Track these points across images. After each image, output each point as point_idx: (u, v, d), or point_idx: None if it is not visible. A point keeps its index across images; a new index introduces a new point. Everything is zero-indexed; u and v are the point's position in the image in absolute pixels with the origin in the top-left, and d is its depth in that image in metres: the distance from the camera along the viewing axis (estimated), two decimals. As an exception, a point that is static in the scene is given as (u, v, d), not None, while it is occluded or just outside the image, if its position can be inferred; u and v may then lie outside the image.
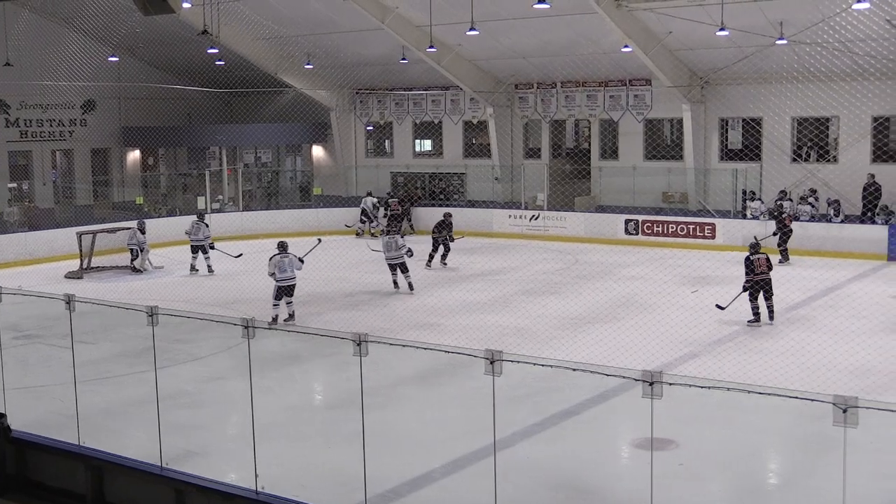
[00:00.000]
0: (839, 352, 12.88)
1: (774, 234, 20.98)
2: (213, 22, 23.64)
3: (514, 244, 24.65)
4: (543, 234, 25.77)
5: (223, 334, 14.10)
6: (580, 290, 18.27)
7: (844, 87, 23.16)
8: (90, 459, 8.10)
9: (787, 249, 21.01)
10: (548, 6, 19.93)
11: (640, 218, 24.80)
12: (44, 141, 30.32)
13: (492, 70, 28.84)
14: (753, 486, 8.99)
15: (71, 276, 21.05)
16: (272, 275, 15.85)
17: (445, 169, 30.90)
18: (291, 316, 15.70)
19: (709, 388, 6.41)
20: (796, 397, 5.92)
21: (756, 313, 15.05)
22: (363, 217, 27.68)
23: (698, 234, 23.81)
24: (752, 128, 25.70)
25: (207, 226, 21.62)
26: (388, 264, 18.30)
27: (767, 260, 15.28)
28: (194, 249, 21.38)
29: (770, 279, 15.13)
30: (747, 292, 15.16)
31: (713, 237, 23.57)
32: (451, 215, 21.93)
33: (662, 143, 28.09)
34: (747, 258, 15.30)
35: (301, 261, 16.07)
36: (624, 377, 6.45)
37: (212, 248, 21.27)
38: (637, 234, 24.65)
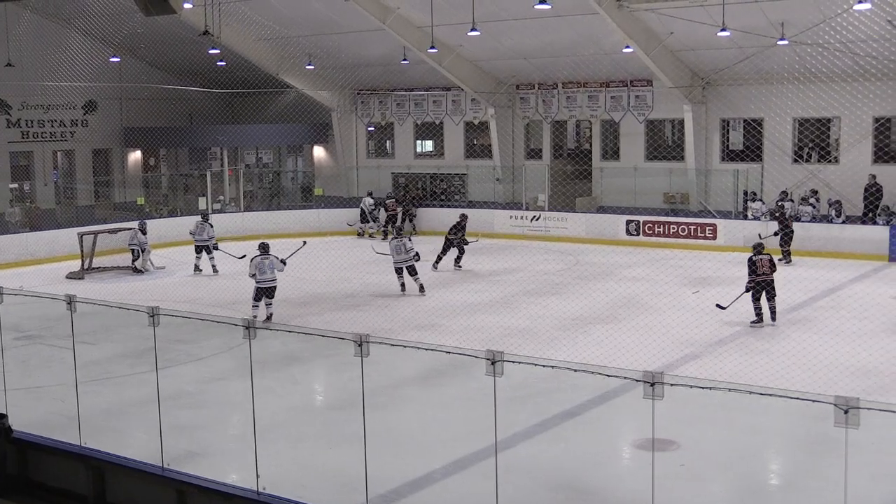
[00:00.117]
0: (841, 352, 12.88)
1: (776, 234, 20.98)
2: (215, 22, 23.63)
3: (515, 245, 24.64)
4: (545, 235, 25.76)
5: (224, 335, 14.17)
6: (581, 290, 18.26)
7: (846, 88, 23.16)
8: (91, 460, 8.10)
9: (789, 251, 21.01)
10: (549, 7, 19.93)
11: (642, 219, 24.78)
12: (45, 141, 30.33)
13: (493, 71, 28.83)
14: (755, 486, 8.98)
15: (72, 276, 21.06)
16: (252, 276, 15.86)
17: (447, 170, 30.90)
18: (269, 318, 15.62)
19: (710, 388, 6.41)
20: (798, 398, 5.92)
21: (758, 314, 15.05)
22: (362, 217, 27.67)
23: (699, 234, 23.79)
24: (754, 128, 25.69)
25: (212, 226, 21.63)
26: (395, 267, 18.17)
27: (770, 261, 15.27)
28: (198, 249, 21.40)
29: (773, 280, 15.12)
30: (749, 293, 15.15)
31: (714, 238, 23.55)
32: (466, 217, 21.74)
33: (664, 143, 28.08)
34: (750, 259, 15.29)
35: (283, 263, 16.04)
36: (625, 378, 6.45)
37: (215, 248, 21.25)
38: (638, 234, 24.64)
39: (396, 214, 27.19)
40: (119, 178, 32.06)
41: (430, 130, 31.72)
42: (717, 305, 15.46)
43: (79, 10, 26.81)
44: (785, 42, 21.63)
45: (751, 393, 6.04)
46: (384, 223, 27.16)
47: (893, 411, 5.49)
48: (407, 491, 8.58)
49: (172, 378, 12.02)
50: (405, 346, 7.15)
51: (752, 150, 25.66)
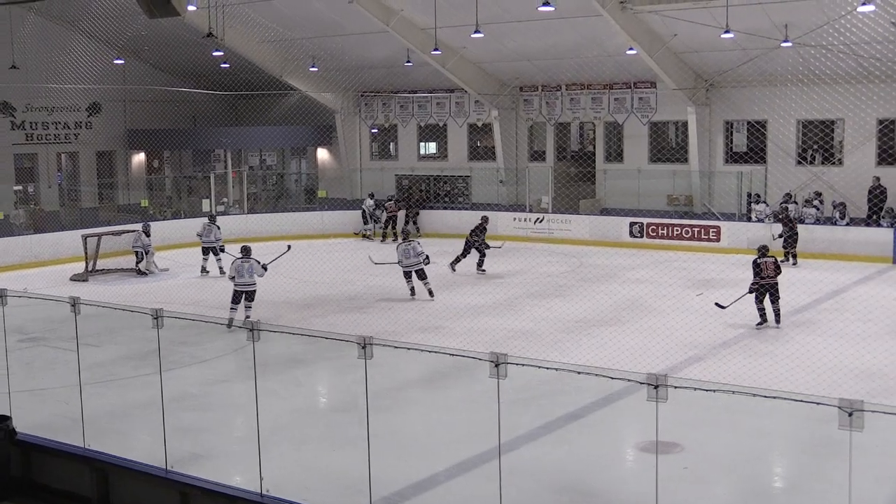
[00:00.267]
0: (845, 355, 12.85)
1: (780, 236, 20.97)
2: (218, 25, 23.66)
3: (518, 247, 24.63)
4: (548, 237, 25.74)
5: (228, 337, 14.23)
6: (585, 292, 18.25)
7: (850, 90, 23.14)
8: (95, 462, 8.12)
9: (795, 252, 21.01)
10: (552, 9, 19.93)
11: (645, 221, 24.76)
12: (49, 143, 30.38)
13: (496, 73, 28.84)
14: (759, 489, 8.97)
15: (76, 278, 21.08)
16: (231, 278, 15.78)
17: (450, 171, 30.90)
18: (247, 320, 15.27)
19: (714, 391, 6.39)
20: (802, 401, 5.90)
21: (762, 316, 15.04)
22: (364, 219, 27.63)
23: (703, 236, 23.76)
24: (757, 130, 25.67)
25: (219, 228, 21.68)
26: (404, 271, 17.99)
27: (775, 263, 15.26)
28: (205, 251, 21.46)
29: (777, 283, 15.11)
30: (753, 295, 15.14)
31: (718, 240, 23.53)
32: (488, 219, 21.53)
33: (667, 145, 28.07)
34: (755, 261, 15.28)
35: (264, 268, 15.89)
36: (629, 380, 6.44)
37: (222, 250, 21.25)
38: (642, 236, 24.63)
39: (396, 216, 27.15)
40: (123, 181, 32.10)
41: (434, 132, 31.72)
42: (717, 304, 15.45)
43: (83, 13, 26.85)
44: (789, 44, 21.60)
45: (755, 395, 6.03)
46: (384, 224, 27.14)
47: (898, 414, 5.48)
48: (410, 493, 8.58)
49: (176, 380, 12.02)
50: (409, 349, 7.16)
51: (755, 152, 25.63)
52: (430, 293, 17.81)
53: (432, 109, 31.45)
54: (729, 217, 24.45)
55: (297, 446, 9.94)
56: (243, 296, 15.58)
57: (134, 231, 22.16)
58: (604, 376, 6.70)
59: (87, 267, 21.53)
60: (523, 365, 6.60)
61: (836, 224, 22.64)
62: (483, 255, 20.85)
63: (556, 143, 29.57)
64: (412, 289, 17.93)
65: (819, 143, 24.89)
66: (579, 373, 6.65)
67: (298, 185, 34.75)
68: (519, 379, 6.71)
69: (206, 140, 32.91)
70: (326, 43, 27.82)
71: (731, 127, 26.51)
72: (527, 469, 8.98)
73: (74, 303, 8.66)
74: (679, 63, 25.04)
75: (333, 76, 30.29)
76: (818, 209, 23.18)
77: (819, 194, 23.74)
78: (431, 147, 32.62)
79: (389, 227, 26.95)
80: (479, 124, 30.55)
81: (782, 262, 20.17)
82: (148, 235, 21.85)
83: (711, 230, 23.76)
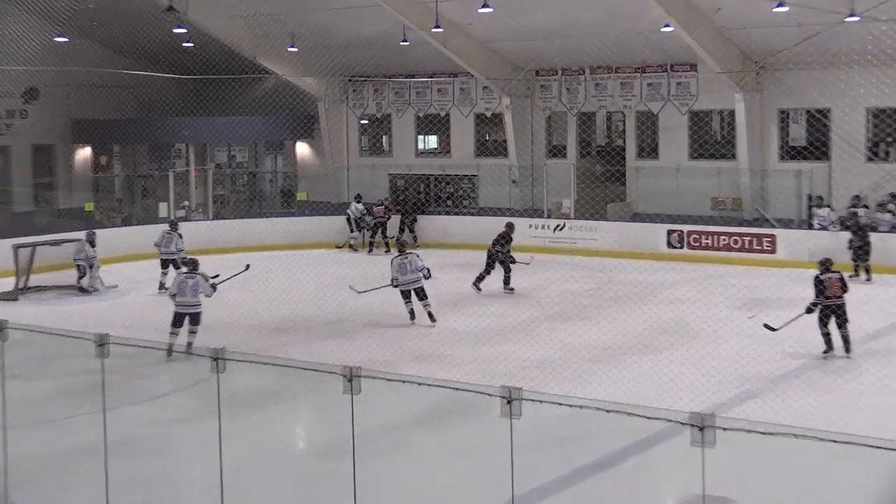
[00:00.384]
0: (928, 390, 12.78)
1: (850, 247, 20.93)
2: (180, -4, 23.75)
3: (535, 260, 24.57)
4: (570, 248, 25.76)
5: (186, 367, 14.15)
6: (614, 314, 18.22)
7: (930, 73, 23.18)
8: (23, 519, 8.01)
9: (868, 266, 20.97)
10: (575, -23, 19.99)
11: (686, 228, 24.78)
12: (-25, 136, 30.49)
13: (508, 53, 28.91)
14: (826, 552, 8.88)
15: (4, 297, 21.07)
16: (173, 296, 15.74)
17: (453, 170, 30.95)
18: (189, 347, 15.14)
19: (771, 434, 6.34)
20: (878, 446, 5.83)
21: (828, 343, 14.95)
22: (349, 226, 27.48)
23: (755, 247, 23.78)
24: (819, 121, 25.69)
25: (181, 237, 21.67)
26: (401, 290, 17.93)
27: (841, 279, 15.19)
28: (164, 264, 21.41)
29: (844, 303, 15.03)
30: (812, 316, 15.03)
31: (773, 251, 23.55)
32: (513, 226, 21.41)
33: (711, 139, 28.10)
34: (817, 277, 15.23)
35: (213, 287, 15.90)
36: (668, 420, 6.40)
37: (184, 263, 21.17)
38: (682, 247, 24.63)
39: (385, 223, 27.03)
40: (64, 180, 32.16)
41: (435, 124, 31.79)
42: (767, 326, 15.41)
43: (18, -18, 26.95)
44: (856, 18, 21.58)
45: (821, 440, 5.95)
46: (371, 233, 27.05)
47: None
48: (405, 557, 8.50)
49: (123, 420, 11.90)
50: (404, 382, 7.15)
51: (817, 147, 25.66)
52: (431, 317, 17.72)
53: (432, 97, 31.53)
54: (786, 224, 24.47)
55: (270, 499, 9.89)
56: (186, 318, 15.51)
57: (76, 240, 22.16)
58: (638, 416, 6.61)
59: (17, 283, 21.52)
60: (541, 402, 6.56)
61: (915, 232, 22.65)
62: (509, 269, 20.70)
63: (579, 136, 29.63)
64: (411, 311, 17.86)
65: (894, 135, 24.87)
66: (608, 411, 6.62)
67: (274, 187, 34.82)
68: (536, 418, 6.68)
69: (164, 132, 33.00)
70: (308, 18, 27.91)
71: (787, 117, 26.57)
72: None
73: (1, 327, 8.61)
74: (724, 41, 25.09)
75: (316, 57, 30.32)
76: (894, 214, 23.14)
77: (895, 196, 23.71)
78: (431, 141, 32.68)
79: (379, 234, 26.89)
80: (488, 114, 30.62)
81: (852, 277, 20.16)
82: (93, 246, 21.83)
83: (765, 240, 23.77)
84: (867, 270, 21.05)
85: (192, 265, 16.11)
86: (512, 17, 25.77)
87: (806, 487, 9.90)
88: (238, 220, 29.23)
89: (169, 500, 10.04)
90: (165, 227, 22.25)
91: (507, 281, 20.65)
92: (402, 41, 27.84)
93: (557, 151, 29.93)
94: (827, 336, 14.99)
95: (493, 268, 20.62)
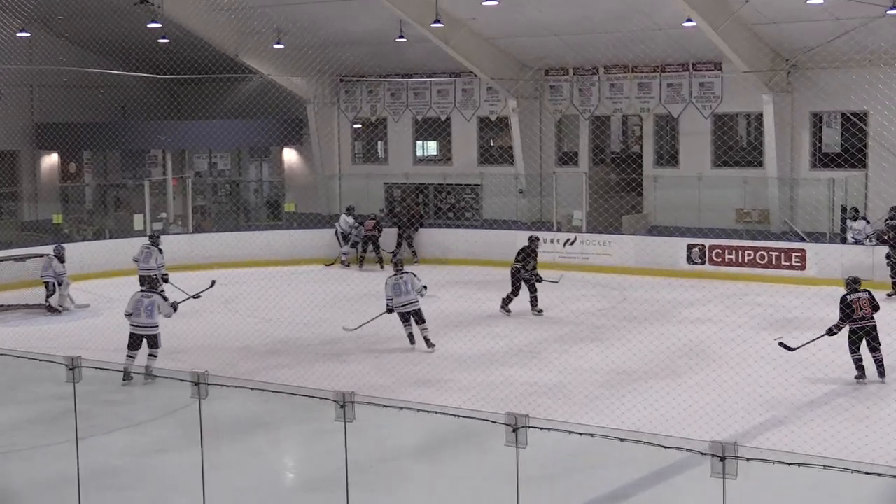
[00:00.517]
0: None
1: (888, 263, 20.97)
2: (156, -12, 23.86)
3: (543, 276, 24.62)
4: (582, 264, 25.75)
5: (167, 393, 14.18)
6: (629, 336, 18.23)
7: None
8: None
9: (905, 284, 21.06)
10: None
11: (708, 243, 24.77)
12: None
13: (515, 51, 28.96)
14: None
15: (-32, 317, 21.12)
16: (128, 315, 15.67)
17: (455, 179, 30.97)
18: (148, 372, 15.25)
19: (798, 464, 6.40)
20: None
21: (860, 368, 15.00)
22: (339, 241, 27.40)
23: (783, 263, 23.77)
24: (855, 125, 25.71)
25: (161, 251, 21.70)
26: (400, 313, 17.84)
27: (871, 299, 15.22)
28: (143, 281, 21.40)
29: (875, 324, 15.08)
30: (847, 341, 15.09)
31: (803, 268, 23.52)
32: (537, 240, 21.36)
33: (736, 145, 28.15)
34: (844, 298, 15.24)
35: (173, 307, 15.90)
36: (687, 450, 6.45)
37: (165, 280, 21.21)
38: (703, 263, 24.62)
39: (376, 237, 26.88)
40: (29, 190, 32.14)
41: (434, 129, 31.81)
42: (782, 345, 15.46)
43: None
44: None
45: (851, 471, 6.03)
46: (361, 248, 26.99)
47: None
48: None
49: (97, 450, 12.01)
50: (401, 408, 7.18)
51: (852, 154, 25.65)
52: (428, 342, 17.57)
53: (432, 99, 31.57)
54: (818, 238, 24.46)
55: (254, 536, 9.94)
56: (142, 340, 15.47)
57: (44, 256, 22.17)
58: (653, 445, 6.70)
59: (-18, 302, 21.56)
60: (549, 430, 6.61)
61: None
62: (534, 289, 20.58)
63: (592, 142, 29.63)
64: (410, 335, 17.74)
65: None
66: (622, 440, 6.66)
67: (259, 197, 34.83)
68: (543, 448, 6.74)
69: (138, 138, 32.98)
70: (295, 11, 27.96)
71: (820, 120, 26.59)
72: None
73: (-34, 349, 8.68)
74: (752, 38, 25.13)
75: (305, 55, 30.36)
76: (935, 227, 23.17)
77: (937, 208, 23.76)
78: (431, 147, 32.71)
79: (371, 249, 26.74)
80: (493, 118, 30.65)
81: (891, 295, 20.23)
82: (62, 261, 21.84)
83: (794, 255, 23.76)
84: (901, 288, 21.11)
85: (151, 283, 16.16)
86: (519, 11, 25.83)
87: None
88: (220, 233, 29.15)
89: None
90: (145, 241, 22.27)
91: (533, 302, 20.52)
92: (399, 37, 27.87)
93: (568, 159, 29.94)
94: (858, 361, 15.02)
95: (519, 287, 20.51)
